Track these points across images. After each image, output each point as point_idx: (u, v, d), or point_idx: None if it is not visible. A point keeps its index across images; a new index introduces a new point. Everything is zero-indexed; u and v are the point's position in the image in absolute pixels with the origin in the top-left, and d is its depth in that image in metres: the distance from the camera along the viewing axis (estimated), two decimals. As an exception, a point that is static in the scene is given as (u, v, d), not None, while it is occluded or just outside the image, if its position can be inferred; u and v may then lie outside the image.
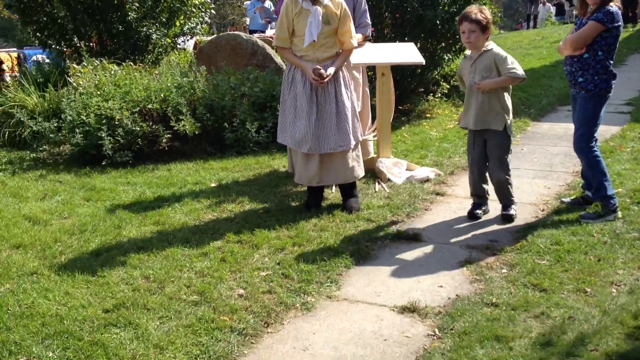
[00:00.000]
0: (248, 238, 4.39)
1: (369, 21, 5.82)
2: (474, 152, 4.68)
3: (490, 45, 4.47)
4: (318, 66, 4.66)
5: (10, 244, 4.38)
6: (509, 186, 4.64)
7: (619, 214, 4.44)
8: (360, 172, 5.00)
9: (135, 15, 9.22)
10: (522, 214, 4.71)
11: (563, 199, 4.87)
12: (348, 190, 5.01)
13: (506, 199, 4.68)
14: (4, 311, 3.40)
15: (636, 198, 4.75)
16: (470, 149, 4.71)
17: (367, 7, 5.77)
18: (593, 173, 4.48)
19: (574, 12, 22.29)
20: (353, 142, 4.84)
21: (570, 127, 4.88)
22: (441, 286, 3.68)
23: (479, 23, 4.36)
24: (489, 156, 4.64)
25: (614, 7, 4.25)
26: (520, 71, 4.41)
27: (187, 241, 4.36)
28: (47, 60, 9.57)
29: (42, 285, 3.71)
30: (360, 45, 5.70)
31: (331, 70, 4.69)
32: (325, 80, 4.65)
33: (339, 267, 3.95)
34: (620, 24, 4.28)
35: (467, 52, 4.67)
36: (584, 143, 4.46)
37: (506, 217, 4.63)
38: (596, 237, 4.14)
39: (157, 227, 4.65)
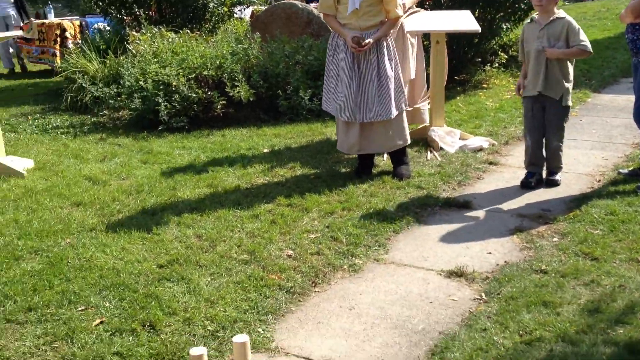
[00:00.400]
0: (298, 202, 4.45)
1: None
2: (534, 120, 4.62)
3: (562, 13, 4.45)
4: (357, 34, 4.63)
5: (71, 202, 4.55)
6: (561, 153, 4.67)
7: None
8: (401, 141, 4.93)
9: (193, -15, 9.32)
10: (578, 185, 4.63)
11: (620, 170, 4.75)
12: (398, 157, 5.00)
13: (555, 166, 4.69)
14: (64, 264, 3.56)
15: (698, 170, 4.60)
16: (528, 116, 4.65)
17: None
18: None
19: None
20: (394, 112, 4.76)
21: (632, 99, 4.74)
22: (490, 253, 3.66)
23: None
24: (547, 123, 4.61)
25: None
26: (590, 46, 4.41)
27: (239, 203, 4.44)
28: (108, 28, 9.78)
29: (100, 241, 3.86)
30: (414, 11, 5.66)
31: (370, 39, 4.64)
32: (363, 48, 4.61)
33: (387, 231, 3.97)
34: None
35: (535, 15, 4.60)
36: None
37: (551, 182, 4.65)
38: (653, 208, 4.04)
39: (211, 189, 4.76)
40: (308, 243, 3.80)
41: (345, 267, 3.53)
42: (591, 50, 4.42)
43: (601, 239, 3.66)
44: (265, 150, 5.76)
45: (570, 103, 4.56)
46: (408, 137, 4.98)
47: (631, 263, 3.37)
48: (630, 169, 4.74)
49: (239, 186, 4.80)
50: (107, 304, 3.13)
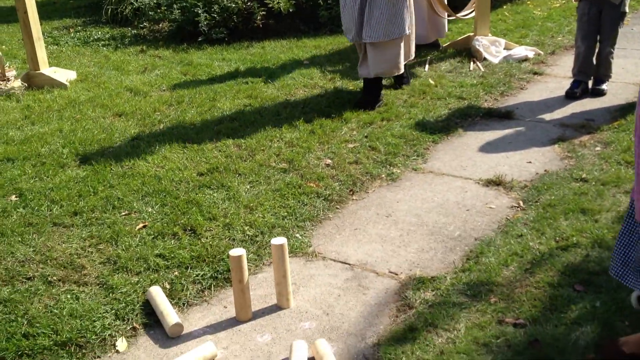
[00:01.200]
0: (337, 112, 4.43)
1: None
2: (589, 24, 4.45)
3: None
4: None
5: (114, 112, 4.63)
6: (612, 60, 4.54)
7: None
8: (394, 69, 4.53)
9: None
10: (624, 94, 4.49)
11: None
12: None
13: (604, 74, 4.57)
14: (107, 171, 3.65)
15: None
16: (584, 20, 4.46)
17: None
18: None
19: None
20: (382, 37, 4.35)
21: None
22: (530, 162, 3.62)
23: None
24: (602, 29, 4.47)
25: None
26: None
27: (278, 114, 4.45)
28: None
29: (142, 149, 3.93)
30: None
31: None
32: None
33: (426, 141, 3.95)
34: None
35: None
36: None
37: (598, 92, 4.55)
38: None
39: (250, 100, 4.76)
40: (346, 152, 3.81)
41: (383, 175, 3.54)
42: None
43: (646, 148, 3.57)
44: (306, 62, 5.70)
45: (627, 9, 4.38)
46: (401, 66, 4.55)
47: (676, 172, 3.29)
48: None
49: (278, 97, 4.80)
50: (150, 209, 3.22)
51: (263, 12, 6.56)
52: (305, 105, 4.61)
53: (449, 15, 5.81)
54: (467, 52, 5.65)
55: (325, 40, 6.34)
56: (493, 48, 5.57)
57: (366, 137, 4.02)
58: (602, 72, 4.54)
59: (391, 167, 3.62)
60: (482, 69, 5.25)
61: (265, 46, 6.30)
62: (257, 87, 5.02)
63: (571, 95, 4.52)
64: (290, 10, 6.53)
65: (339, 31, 6.59)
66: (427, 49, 5.85)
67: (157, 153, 3.87)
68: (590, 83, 4.60)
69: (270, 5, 6.47)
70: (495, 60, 5.44)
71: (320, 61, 5.68)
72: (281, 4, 6.45)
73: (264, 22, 6.65)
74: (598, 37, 4.47)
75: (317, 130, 4.13)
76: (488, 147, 3.86)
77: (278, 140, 4.02)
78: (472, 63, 5.41)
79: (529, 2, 7.42)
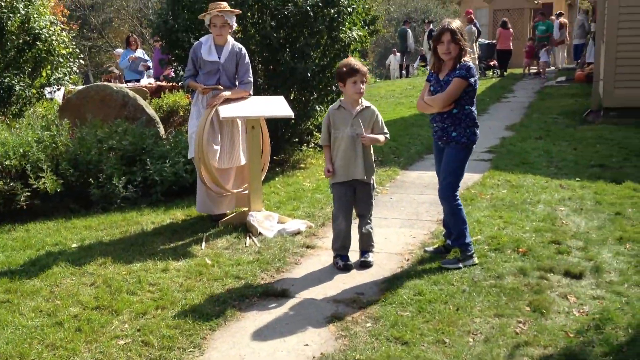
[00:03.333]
0: (108, 303, 4.17)
1: (251, 78, 5.92)
2: (348, 203, 4.78)
3: (367, 102, 4.81)
4: None
5: None
6: (372, 231, 4.90)
7: (476, 259, 4.63)
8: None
9: (-5, 66, 8.78)
10: (389, 264, 4.79)
11: (427, 248, 5.01)
12: None
13: (368, 246, 4.88)
14: None
15: (493, 245, 4.97)
16: (343, 201, 4.77)
17: (249, 64, 5.89)
18: (455, 220, 4.66)
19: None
20: None
21: (434, 174, 5.04)
22: (307, 344, 3.64)
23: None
24: (359, 206, 4.84)
25: (469, 60, 4.51)
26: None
27: (41, 310, 4.08)
28: None
29: None
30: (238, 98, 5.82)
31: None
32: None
33: (203, 329, 3.82)
34: (477, 75, 4.56)
35: (336, 105, 4.76)
36: (450, 192, 4.65)
37: (365, 264, 4.79)
38: (456, 285, 4.27)
39: (8, 295, 4.33)
40: (116, 351, 3.54)
41: (156, 375, 3.31)
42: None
43: (410, 321, 3.78)
44: (74, 245, 5.40)
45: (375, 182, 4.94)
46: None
47: (438, 345, 3.49)
48: (435, 246, 5.01)
49: (41, 289, 4.42)
50: None
51: (28, 193, 6.20)
52: (72, 296, 4.29)
53: (221, 191, 5.94)
54: (243, 227, 5.76)
55: (97, 220, 6.10)
56: (267, 222, 5.74)
57: (139, 330, 3.79)
58: (367, 245, 4.85)
59: (166, 364, 3.42)
60: (258, 244, 5.35)
61: (30, 229, 5.88)
62: (16, 279, 4.60)
63: (342, 269, 4.73)
64: (58, 190, 6.25)
65: (112, 209, 6.43)
66: (204, 226, 5.86)
67: None
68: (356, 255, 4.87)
69: (36, 186, 6.15)
70: (270, 235, 5.58)
71: (90, 244, 5.41)
72: (47, 184, 6.16)
73: (29, 203, 6.26)
74: (355, 212, 4.84)
75: (84, 327, 3.82)
76: (266, 331, 3.83)
77: (39, 343, 3.64)
78: (248, 238, 5.50)
79: (299, 174, 7.89)
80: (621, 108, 10.64)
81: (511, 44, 18.82)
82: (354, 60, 4.74)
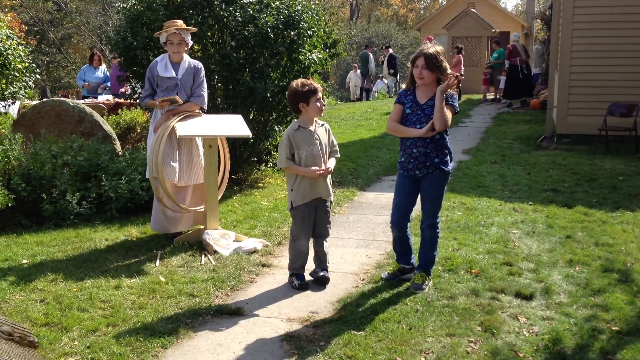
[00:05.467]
0: (58, 320, 4.09)
1: (205, 93, 5.92)
2: (310, 225, 4.80)
3: (321, 121, 4.85)
4: None
5: None
6: (327, 251, 4.93)
7: (431, 281, 4.68)
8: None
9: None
10: (344, 284, 4.81)
11: (382, 275, 4.88)
12: None
13: (325, 263, 4.91)
14: None
15: (447, 265, 5.03)
16: (306, 221, 4.78)
17: (204, 79, 5.90)
18: (431, 247, 4.70)
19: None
20: None
21: (392, 196, 4.97)
22: (259, 363, 3.62)
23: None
24: (320, 226, 4.85)
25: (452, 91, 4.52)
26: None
27: (-13, 327, 3.97)
28: None
29: None
30: (189, 115, 5.78)
31: None
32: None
33: (155, 347, 3.78)
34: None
35: (295, 125, 4.73)
36: (435, 220, 4.68)
37: (323, 280, 4.82)
38: (409, 305, 4.30)
39: (-47, 311, 4.21)
40: (64, 369, 3.47)
41: (105, 393, 3.26)
42: None
43: (363, 340, 3.79)
44: (25, 261, 5.28)
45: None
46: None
47: (390, 364, 3.52)
48: (389, 272, 4.96)
49: (-12, 306, 4.31)
50: None
51: (-23, 208, 6.06)
52: (20, 313, 4.20)
53: (181, 209, 5.90)
54: (198, 245, 5.72)
55: (49, 236, 5.99)
56: (223, 241, 5.72)
57: (89, 347, 3.73)
58: (323, 263, 4.86)
59: (115, 382, 3.36)
60: (214, 263, 5.31)
61: (-21, 245, 5.75)
62: (-37, 295, 4.48)
63: (298, 288, 4.73)
64: (9, 205, 6.12)
65: (65, 225, 6.33)
66: (159, 243, 5.80)
67: None
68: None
69: (-14, 201, 6.02)
70: (226, 253, 5.56)
71: (41, 260, 5.31)
72: (-1, 199, 6.03)
73: (-22, 218, 6.13)
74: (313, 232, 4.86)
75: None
76: (220, 350, 3.80)
77: (-17, 360, 3.54)
78: (203, 256, 5.47)
79: (256, 193, 7.88)
80: (574, 135, 10.96)
81: (462, 69, 18.97)
82: (305, 80, 4.75)
